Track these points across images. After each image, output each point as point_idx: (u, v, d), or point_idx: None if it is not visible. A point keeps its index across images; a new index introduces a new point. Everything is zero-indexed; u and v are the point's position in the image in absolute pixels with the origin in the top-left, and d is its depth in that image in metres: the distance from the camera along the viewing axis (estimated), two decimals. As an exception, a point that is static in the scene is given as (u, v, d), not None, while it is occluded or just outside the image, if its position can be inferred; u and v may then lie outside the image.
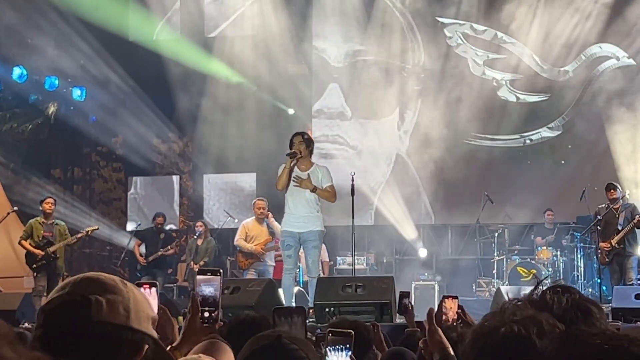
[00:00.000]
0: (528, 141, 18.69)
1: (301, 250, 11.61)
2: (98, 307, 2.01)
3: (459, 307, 5.75)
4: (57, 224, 15.21)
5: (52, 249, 14.81)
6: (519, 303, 2.48)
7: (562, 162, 18.42)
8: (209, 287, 3.45)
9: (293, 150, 11.17)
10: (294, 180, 11.15)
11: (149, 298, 3.49)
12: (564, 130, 18.54)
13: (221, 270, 3.54)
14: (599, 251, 14.39)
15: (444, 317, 4.83)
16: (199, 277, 3.50)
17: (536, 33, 18.48)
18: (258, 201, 14.96)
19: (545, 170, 18.42)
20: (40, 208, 15.27)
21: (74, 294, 2.04)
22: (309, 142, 11.34)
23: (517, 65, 18.66)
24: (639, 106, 17.94)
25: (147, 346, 2.07)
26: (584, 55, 18.41)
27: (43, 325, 2.02)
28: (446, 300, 5.88)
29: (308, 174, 11.22)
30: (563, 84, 18.46)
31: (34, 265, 14.78)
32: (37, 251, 14.83)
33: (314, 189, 11.13)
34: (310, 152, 11.38)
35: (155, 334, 2.13)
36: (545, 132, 18.63)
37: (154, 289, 3.55)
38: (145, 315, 2.09)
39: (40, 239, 14.95)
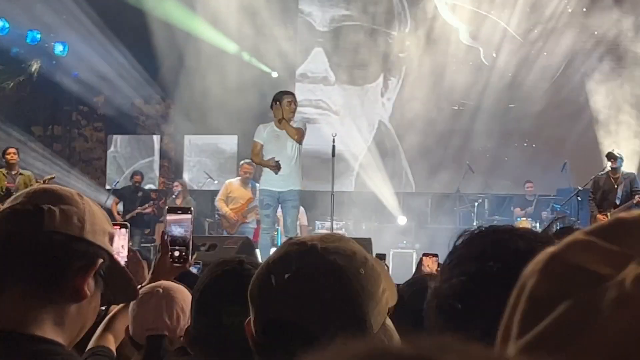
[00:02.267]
0: (511, 111, 18.66)
1: (279, 211, 11.61)
2: (51, 216, 1.94)
3: (440, 265, 5.71)
4: (21, 174, 14.81)
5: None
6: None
7: (544, 133, 18.42)
8: (179, 227, 3.40)
9: (278, 166, 11.12)
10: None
11: (120, 239, 3.43)
12: (546, 102, 18.51)
13: (192, 208, 3.49)
14: (593, 221, 14.15)
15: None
16: (168, 216, 3.45)
17: (521, 5, 18.43)
18: (245, 164, 14.86)
19: (527, 141, 18.43)
20: (3, 159, 15.02)
21: (26, 204, 1.98)
22: (296, 106, 11.34)
23: (503, 35, 18.61)
24: (621, 79, 17.95)
25: (101, 260, 2.00)
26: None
27: None
28: (424, 258, 5.84)
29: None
30: (547, 55, 18.43)
31: None
32: None
33: (297, 132, 11.10)
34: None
35: (111, 250, 2.06)
36: (528, 103, 18.60)
37: (124, 229, 3.51)
38: (101, 229, 2.03)
39: (4, 190, 14.68)
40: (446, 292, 1.42)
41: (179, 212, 3.43)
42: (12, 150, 14.95)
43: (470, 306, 1.39)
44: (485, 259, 1.43)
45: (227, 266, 2.62)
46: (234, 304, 2.44)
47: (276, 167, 11.04)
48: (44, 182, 14.87)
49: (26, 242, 1.90)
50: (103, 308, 2.10)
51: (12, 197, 2.04)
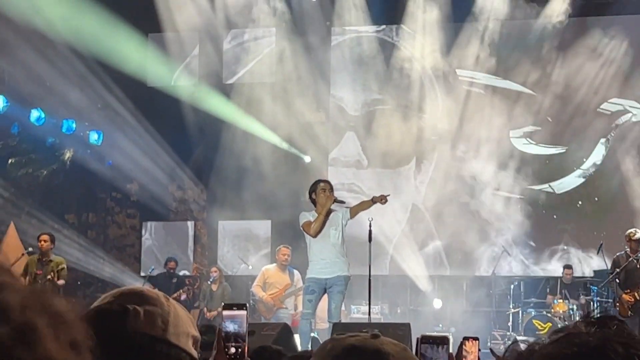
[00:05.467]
0: (545, 194, 18.61)
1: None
2: (135, 316, 1.95)
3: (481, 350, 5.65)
4: (51, 260, 14.59)
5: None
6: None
7: (580, 215, 18.35)
8: (234, 322, 3.38)
9: (342, 200, 11.50)
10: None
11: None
12: (582, 184, 18.47)
13: (247, 305, 3.48)
14: (618, 303, 14.05)
15: (463, 360, 4.70)
16: (224, 312, 3.43)
17: (555, 85, 18.52)
18: (283, 248, 15.03)
19: (563, 222, 18.35)
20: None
21: (113, 304, 1.99)
22: (332, 192, 11.44)
23: (536, 117, 18.66)
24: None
25: None
26: (603, 108, 18.41)
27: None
28: (466, 342, 5.76)
29: (331, 217, 11.35)
30: (582, 137, 18.44)
31: None
32: None
33: (336, 200, 11.33)
34: None
35: (194, 353, 2.06)
36: (563, 185, 18.57)
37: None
38: (184, 331, 2.03)
39: (33, 277, 14.55)
40: None
41: (234, 308, 3.42)
42: (43, 237, 14.76)
43: None
44: None
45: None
46: None
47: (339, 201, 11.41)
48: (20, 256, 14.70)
49: (110, 342, 1.90)
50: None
51: (100, 298, 2.06)
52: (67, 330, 0.94)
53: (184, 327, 2.05)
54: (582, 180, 18.48)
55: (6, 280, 0.93)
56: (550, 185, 18.64)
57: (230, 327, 3.37)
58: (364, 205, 11.51)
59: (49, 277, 14.38)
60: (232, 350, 3.35)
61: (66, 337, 0.94)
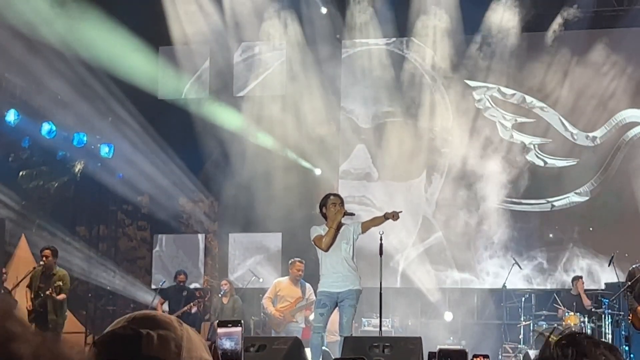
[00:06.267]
0: (556, 206, 18.58)
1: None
2: (149, 341, 1.96)
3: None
4: (54, 274, 14.54)
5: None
6: None
7: (590, 228, 18.30)
8: (229, 340, 3.38)
9: (352, 212, 11.43)
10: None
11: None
12: (592, 196, 18.44)
13: (242, 322, 3.47)
14: (631, 315, 13.97)
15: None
16: (219, 329, 3.43)
17: (565, 97, 18.50)
18: (298, 262, 15.00)
19: (574, 234, 18.31)
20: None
21: (126, 329, 2.00)
22: (342, 206, 11.42)
23: (546, 130, 18.65)
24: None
25: None
26: (614, 121, 18.39)
27: (94, 358, 1.98)
28: (475, 359, 5.77)
29: (342, 230, 11.34)
30: (592, 150, 18.42)
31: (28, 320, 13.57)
32: (28, 303, 14.34)
33: (346, 213, 11.27)
34: None
35: None
36: (573, 198, 18.53)
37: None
38: (197, 356, 2.03)
39: (37, 290, 14.42)
40: None
41: (229, 325, 3.42)
42: (45, 252, 14.69)
43: None
44: None
45: None
46: None
47: (349, 214, 11.34)
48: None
49: None
50: None
51: (114, 322, 2.07)
52: None
53: (197, 351, 2.05)
54: (594, 192, 18.43)
55: (17, 331, 0.93)
56: (561, 198, 18.60)
57: (227, 344, 3.37)
58: (376, 221, 11.49)
59: (47, 292, 14.31)
60: None
61: None
